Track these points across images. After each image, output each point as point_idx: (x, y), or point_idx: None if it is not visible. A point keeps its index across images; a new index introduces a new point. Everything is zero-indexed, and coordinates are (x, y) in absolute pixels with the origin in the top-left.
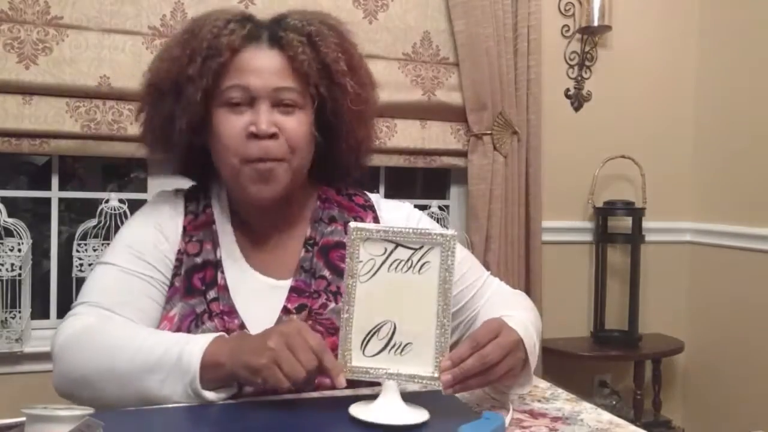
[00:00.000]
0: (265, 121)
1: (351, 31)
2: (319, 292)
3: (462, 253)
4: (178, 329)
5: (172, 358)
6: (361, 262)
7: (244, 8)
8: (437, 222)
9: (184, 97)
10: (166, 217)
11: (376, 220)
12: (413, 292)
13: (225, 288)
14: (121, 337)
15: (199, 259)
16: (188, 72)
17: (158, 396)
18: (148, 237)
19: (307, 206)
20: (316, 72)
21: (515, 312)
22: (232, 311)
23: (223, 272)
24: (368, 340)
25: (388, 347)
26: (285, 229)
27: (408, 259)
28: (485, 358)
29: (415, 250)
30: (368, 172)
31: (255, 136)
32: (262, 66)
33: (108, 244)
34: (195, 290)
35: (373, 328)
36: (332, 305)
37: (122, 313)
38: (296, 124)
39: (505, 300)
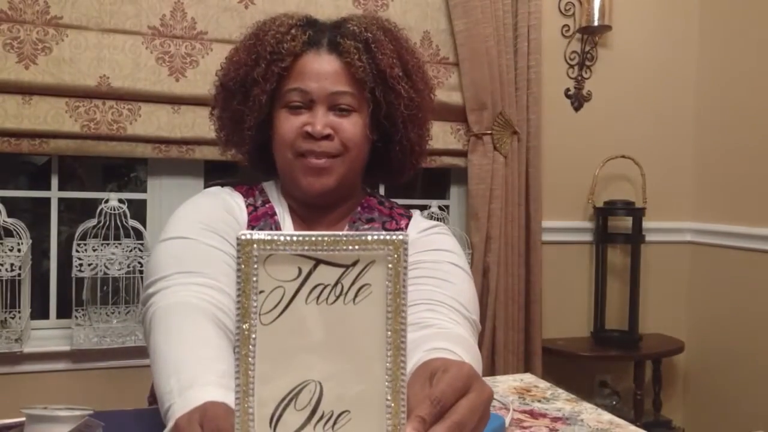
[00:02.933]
0: (320, 123)
1: (408, 36)
2: None
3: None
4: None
5: (167, 402)
6: (261, 293)
7: (307, 14)
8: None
9: (251, 97)
10: (232, 204)
11: (406, 227)
12: (346, 332)
13: None
14: (165, 342)
15: None
16: (254, 75)
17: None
18: (219, 216)
19: (351, 211)
20: (371, 77)
21: (462, 352)
22: None
23: None
24: (281, 413)
25: (314, 421)
26: (330, 227)
27: (336, 283)
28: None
29: (346, 267)
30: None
31: (310, 135)
32: (321, 71)
33: (107, 244)
34: None
35: (288, 394)
36: None
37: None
38: (351, 126)
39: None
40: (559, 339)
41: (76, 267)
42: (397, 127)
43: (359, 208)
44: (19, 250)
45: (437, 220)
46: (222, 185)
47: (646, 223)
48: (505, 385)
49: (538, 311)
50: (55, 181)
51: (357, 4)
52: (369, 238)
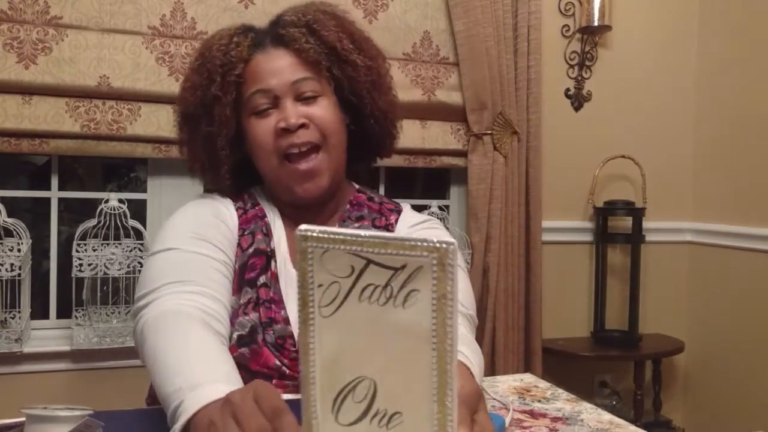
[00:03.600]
0: (292, 115)
1: (347, 11)
2: None
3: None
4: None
5: (176, 400)
6: (320, 287)
7: (243, 22)
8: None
9: (215, 116)
10: (221, 208)
11: (396, 222)
12: (396, 335)
13: (276, 277)
14: (165, 346)
15: (251, 249)
16: (212, 92)
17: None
18: (209, 222)
19: (340, 210)
20: (324, 56)
21: (469, 353)
22: (280, 300)
23: (275, 261)
24: (341, 402)
25: (369, 415)
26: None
27: (386, 285)
28: None
29: (395, 270)
30: (372, 171)
31: (286, 130)
32: (275, 66)
33: (107, 244)
34: (246, 281)
35: (347, 386)
36: None
37: (193, 292)
38: (322, 110)
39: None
40: (559, 339)
41: (76, 267)
42: (364, 98)
43: (348, 206)
44: (19, 250)
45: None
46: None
47: (646, 223)
48: (505, 385)
49: (538, 311)
50: (55, 181)
51: (357, 4)
52: (415, 243)
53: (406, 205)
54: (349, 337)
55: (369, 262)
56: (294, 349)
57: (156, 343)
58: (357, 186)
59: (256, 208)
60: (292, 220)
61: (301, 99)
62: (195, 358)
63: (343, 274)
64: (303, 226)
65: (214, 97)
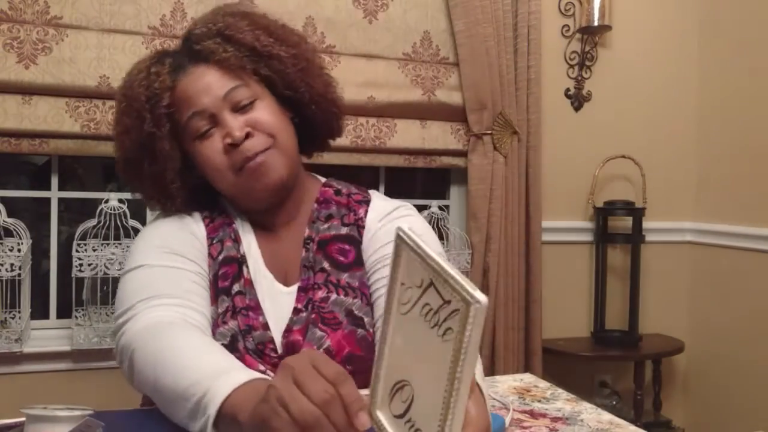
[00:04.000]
0: (235, 128)
1: (254, 5)
2: (319, 285)
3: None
4: None
5: (198, 392)
6: (402, 285)
7: (154, 49)
8: (437, 223)
9: (156, 153)
10: (188, 220)
11: (365, 215)
12: (432, 360)
13: (250, 283)
14: (169, 347)
15: (221, 257)
16: (146, 130)
17: (183, 422)
18: (176, 235)
19: (305, 208)
20: (247, 59)
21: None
22: (257, 307)
23: (247, 267)
24: (394, 394)
25: (405, 418)
26: (289, 227)
27: (437, 311)
28: None
29: (444, 303)
30: (369, 173)
31: (234, 145)
32: (202, 85)
33: (107, 244)
34: (220, 290)
35: (398, 383)
36: (334, 296)
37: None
38: (262, 113)
39: None
40: (559, 339)
41: (76, 267)
42: (300, 88)
43: (315, 204)
44: (19, 250)
45: (437, 221)
46: None
47: (646, 223)
48: (505, 385)
49: (538, 311)
50: (55, 181)
51: (357, 4)
52: (455, 285)
53: (374, 193)
54: (409, 341)
55: (432, 283)
56: (275, 354)
57: (154, 347)
58: (323, 180)
59: (222, 215)
60: (260, 222)
61: (239, 109)
62: (206, 352)
63: (416, 283)
64: (401, 226)
65: (149, 135)
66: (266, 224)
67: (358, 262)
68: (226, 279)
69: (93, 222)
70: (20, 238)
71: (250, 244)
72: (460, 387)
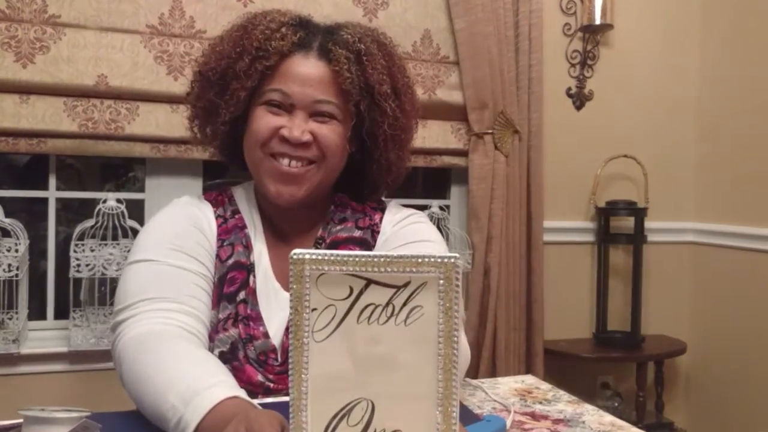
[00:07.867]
0: (299, 129)
1: (402, 55)
2: None
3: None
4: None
5: (173, 417)
6: (314, 311)
7: (302, 12)
8: (438, 223)
9: (229, 91)
10: (201, 217)
11: (380, 221)
12: (397, 353)
13: (254, 293)
14: (151, 365)
15: (230, 261)
16: (236, 69)
17: None
18: (187, 232)
19: (324, 213)
20: (358, 90)
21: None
22: (258, 317)
23: (254, 276)
24: (335, 428)
25: None
26: (303, 236)
27: (387, 304)
28: None
29: (398, 288)
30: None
31: (286, 140)
32: (307, 75)
33: (106, 244)
34: (225, 296)
35: (341, 410)
36: None
37: (172, 313)
38: (330, 132)
39: None
40: (560, 340)
41: (74, 267)
42: (378, 145)
43: (333, 207)
44: (16, 251)
45: (438, 220)
46: (219, 184)
47: (648, 223)
48: (506, 387)
49: (540, 312)
50: (52, 181)
51: (357, 3)
52: (420, 260)
53: (390, 202)
54: (345, 360)
55: (369, 282)
56: (277, 364)
57: (136, 367)
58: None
59: (236, 217)
60: (273, 227)
61: (315, 116)
62: (182, 371)
63: (340, 296)
64: (297, 251)
65: (235, 75)
66: (281, 230)
67: None
68: (233, 284)
69: (91, 222)
70: (18, 239)
71: (261, 252)
72: (458, 346)
